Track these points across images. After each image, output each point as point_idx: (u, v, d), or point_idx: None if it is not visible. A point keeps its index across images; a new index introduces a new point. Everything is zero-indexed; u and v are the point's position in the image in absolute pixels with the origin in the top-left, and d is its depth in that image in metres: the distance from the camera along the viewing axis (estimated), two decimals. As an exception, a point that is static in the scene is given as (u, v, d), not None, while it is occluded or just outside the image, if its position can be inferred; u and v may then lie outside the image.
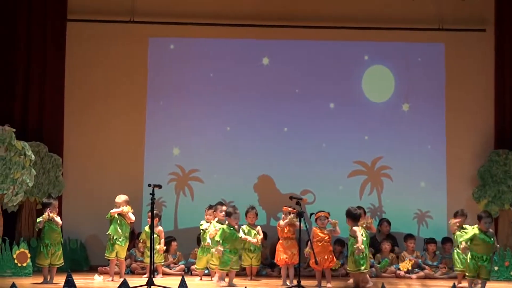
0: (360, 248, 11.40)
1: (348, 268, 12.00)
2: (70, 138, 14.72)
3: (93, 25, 14.85)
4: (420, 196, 14.75)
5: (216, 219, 12.57)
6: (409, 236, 14.21)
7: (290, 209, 12.15)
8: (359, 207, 12.62)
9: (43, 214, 11.82)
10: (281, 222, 12.28)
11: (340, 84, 15.08)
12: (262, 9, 15.00)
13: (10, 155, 12.78)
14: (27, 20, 14.63)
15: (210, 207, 12.94)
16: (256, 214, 13.14)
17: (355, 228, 11.60)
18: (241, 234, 12.87)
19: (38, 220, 11.75)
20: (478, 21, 15.03)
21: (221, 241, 11.66)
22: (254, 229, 12.99)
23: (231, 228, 11.81)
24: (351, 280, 12.47)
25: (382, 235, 14.35)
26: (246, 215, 13.09)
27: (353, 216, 11.70)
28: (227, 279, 11.94)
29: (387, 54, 15.16)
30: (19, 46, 14.58)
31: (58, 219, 11.82)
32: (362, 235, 11.58)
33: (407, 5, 14.96)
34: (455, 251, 12.35)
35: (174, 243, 14.00)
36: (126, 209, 12.42)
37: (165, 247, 13.29)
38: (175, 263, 13.88)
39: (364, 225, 11.97)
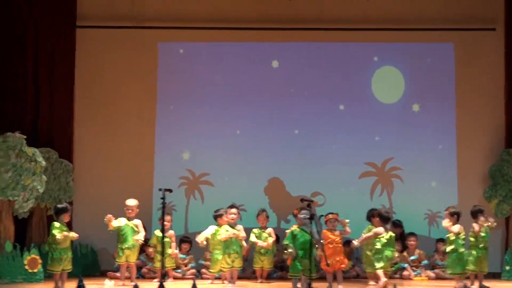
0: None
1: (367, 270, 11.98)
2: (80, 143, 14.78)
3: (102, 31, 14.94)
4: (431, 196, 14.68)
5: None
6: (410, 234, 14.17)
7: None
8: (374, 209, 12.66)
9: (57, 220, 11.67)
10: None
11: (350, 85, 15.06)
12: (270, 12, 15.01)
13: (21, 162, 12.81)
14: (37, 27, 14.70)
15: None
16: (267, 217, 13.25)
17: (375, 230, 11.55)
18: (251, 238, 12.94)
19: (57, 235, 11.43)
20: (487, 20, 14.98)
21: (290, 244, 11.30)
22: (265, 232, 13.03)
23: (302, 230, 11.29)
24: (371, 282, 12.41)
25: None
26: (257, 218, 13.14)
27: (384, 218, 11.71)
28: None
29: (396, 55, 15.12)
30: (29, 53, 14.64)
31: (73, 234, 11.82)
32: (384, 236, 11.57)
33: (415, 5, 15.00)
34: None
35: (185, 245, 14.04)
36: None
37: (176, 251, 13.35)
38: (184, 265, 13.91)
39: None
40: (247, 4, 15.11)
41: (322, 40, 15.05)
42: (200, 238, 12.78)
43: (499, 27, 14.96)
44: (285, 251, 11.36)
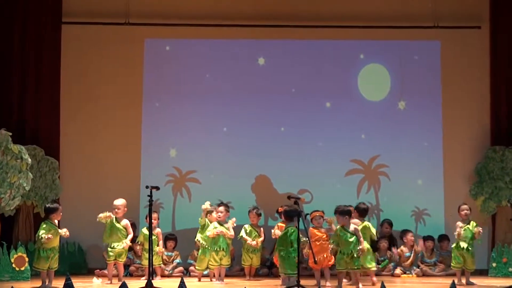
0: (364, 249, 11.40)
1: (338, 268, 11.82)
2: (66, 141, 14.69)
3: (89, 27, 14.84)
4: (417, 193, 14.74)
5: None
6: (406, 231, 14.21)
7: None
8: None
9: (46, 220, 11.60)
10: (277, 232, 12.23)
11: (336, 83, 15.07)
12: (257, 9, 14.99)
13: (7, 159, 12.71)
14: (22, 23, 14.61)
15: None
16: (259, 215, 13.17)
17: (356, 227, 11.55)
18: (242, 234, 12.91)
19: (43, 236, 11.33)
20: (473, 18, 15.05)
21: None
22: (257, 230, 13.01)
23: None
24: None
25: (383, 235, 14.29)
26: (248, 215, 13.13)
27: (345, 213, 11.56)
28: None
29: (382, 53, 15.15)
30: (15, 50, 14.55)
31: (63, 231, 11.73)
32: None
33: (402, 3, 15.03)
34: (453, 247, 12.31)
35: (170, 242, 14.01)
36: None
37: (164, 249, 13.32)
38: (171, 262, 13.89)
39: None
40: (233, 2, 15.09)
41: (308, 37, 15.06)
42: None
43: (484, 25, 15.04)
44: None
